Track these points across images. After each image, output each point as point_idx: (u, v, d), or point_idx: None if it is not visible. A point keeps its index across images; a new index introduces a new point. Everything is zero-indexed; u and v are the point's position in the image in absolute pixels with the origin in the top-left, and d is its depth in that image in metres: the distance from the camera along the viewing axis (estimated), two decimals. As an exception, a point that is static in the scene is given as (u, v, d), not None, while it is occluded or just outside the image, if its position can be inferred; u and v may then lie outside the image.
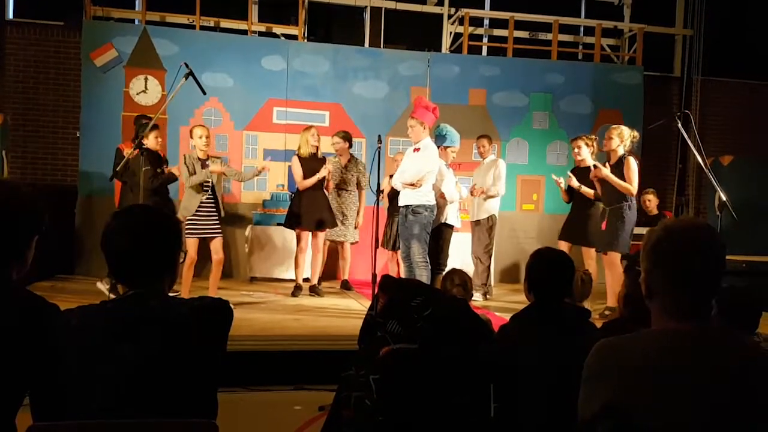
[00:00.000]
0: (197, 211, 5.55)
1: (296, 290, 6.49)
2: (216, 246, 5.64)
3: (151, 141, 5.74)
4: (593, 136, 6.45)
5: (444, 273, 3.71)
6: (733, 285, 2.68)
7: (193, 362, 1.63)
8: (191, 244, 5.52)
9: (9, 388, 1.59)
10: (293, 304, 6.07)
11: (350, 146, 6.98)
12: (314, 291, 6.53)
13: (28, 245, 1.72)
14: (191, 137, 5.77)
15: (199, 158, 5.61)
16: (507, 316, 5.51)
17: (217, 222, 5.66)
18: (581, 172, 6.23)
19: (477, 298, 6.43)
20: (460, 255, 7.06)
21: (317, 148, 6.44)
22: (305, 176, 6.35)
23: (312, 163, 6.40)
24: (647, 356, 1.41)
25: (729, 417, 1.34)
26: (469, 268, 6.61)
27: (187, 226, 5.49)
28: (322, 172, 6.33)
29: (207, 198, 5.59)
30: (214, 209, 5.65)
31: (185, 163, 5.59)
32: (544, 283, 2.43)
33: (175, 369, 1.60)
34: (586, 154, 6.22)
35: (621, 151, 5.64)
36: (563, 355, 2.08)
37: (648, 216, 7.73)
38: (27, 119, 8.07)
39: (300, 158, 6.43)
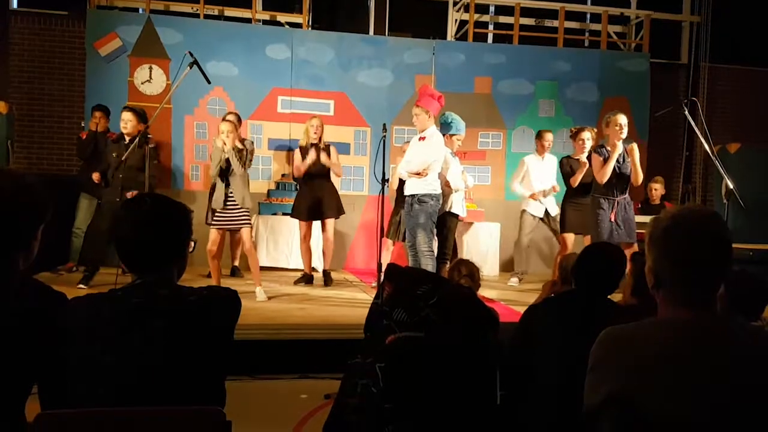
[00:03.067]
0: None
1: (301, 279, 6.52)
2: (242, 237, 5.71)
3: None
4: (594, 129, 6.48)
5: (452, 263, 3.71)
6: (742, 269, 2.67)
7: (201, 351, 1.64)
8: (210, 235, 5.61)
9: (17, 377, 1.60)
10: (299, 293, 6.08)
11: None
12: (325, 277, 6.53)
13: (34, 235, 1.73)
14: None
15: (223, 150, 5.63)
16: (514, 307, 5.52)
17: (241, 213, 5.59)
18: (573, 163, 6.25)
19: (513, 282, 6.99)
20: (480, 246, 7.14)
21: (319, 138, 6.40)
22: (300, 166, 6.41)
23: (313, 153, 6.38)
24: (653, 345, 1.41)
25: (735, 405, 1.34)
26: (480, 258, 6.69)
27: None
28: (309, 158, 6.28)
29: (231, 190, 5.58)
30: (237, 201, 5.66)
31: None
32: (596, 274, 2.45)
33: (183, 357, 1.61)
34: (588, 147, 6.20)
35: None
36: (584, 344, 2.09)
37: (650, 205, 7.70)
38: (32, 109, 8.07)
39: (301, 149, 6.43)
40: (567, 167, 6.30)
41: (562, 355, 2.24)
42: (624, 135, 5.46)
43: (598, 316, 2.34)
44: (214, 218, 5.60)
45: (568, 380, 2.18)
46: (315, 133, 6.35)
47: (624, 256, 2.59)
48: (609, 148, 5.42)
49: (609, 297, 2.50)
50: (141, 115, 6.05)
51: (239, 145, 5.58)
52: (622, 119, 5.47)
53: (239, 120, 6.65)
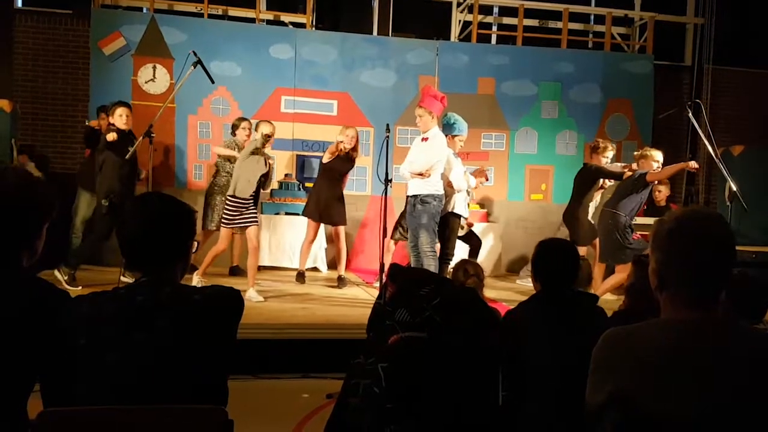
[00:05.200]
0: (235, 204, 5.64)
1: (299, 278, 6.53)
2: (250, 234, 5.74)
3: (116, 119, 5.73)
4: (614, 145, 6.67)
5: (455, 264, 3.72)
6: (744, 272, 2.67)
7: (204, 349, 1.64)
8: (224, 235, 5.74)
9: (19, 374, 1.61)
10: (301, 292, 6.08)
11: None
12: (339, 282, 6.50)
13: (39, 233, 1.73)
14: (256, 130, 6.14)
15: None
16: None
17: (254, 211, 5.74)
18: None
19: None
20: (483, 246, 7.17)
21: (349, 147, 6.37)
22: (322, 169, 6.52)
23: (338, 162, 6.40)
24: (655, 346, 1.41)
25: (737, 406, 1.34)
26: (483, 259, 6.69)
27: (222, 217, 5.75)
28: (329, 152, 6.43)
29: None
30: (253, 201, 5.77)
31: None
32: (551, 271, 2.49)
33: (186, 356, 1.61)
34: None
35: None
36: (571, 341, 2.11)
37: (655, 207, 7.69)
38: (36, 108, 8.09)
39: (340, 151, 6.43)
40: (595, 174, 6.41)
41: (547, 355, 2.27)
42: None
43: (575, 309, 2.39)
44: (228, 218, 5.79)
45: (552, 378, 2.21)
46: (349, 144, 6.36)
47: (572, 245, 2.66)
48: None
49: (595, 294, 2.55)
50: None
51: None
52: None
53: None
